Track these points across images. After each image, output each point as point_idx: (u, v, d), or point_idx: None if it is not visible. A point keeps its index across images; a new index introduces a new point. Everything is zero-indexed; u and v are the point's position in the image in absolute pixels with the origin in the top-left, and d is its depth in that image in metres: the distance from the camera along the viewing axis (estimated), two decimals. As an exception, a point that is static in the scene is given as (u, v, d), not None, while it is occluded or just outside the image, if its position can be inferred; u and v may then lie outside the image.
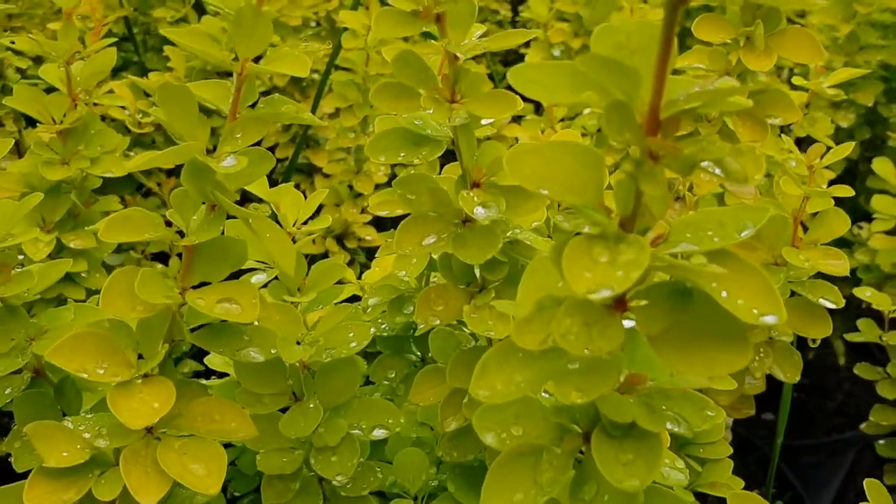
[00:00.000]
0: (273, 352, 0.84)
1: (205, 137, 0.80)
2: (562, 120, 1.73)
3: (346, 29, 1.82)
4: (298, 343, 0.89)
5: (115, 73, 2.35)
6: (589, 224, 0.55)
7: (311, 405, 0.88)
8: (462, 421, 0.87)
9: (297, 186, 2.05)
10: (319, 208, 2.05)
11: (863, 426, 1.46)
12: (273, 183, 1.58)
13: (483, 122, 0.77)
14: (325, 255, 1.92)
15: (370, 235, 1.91)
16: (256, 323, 0.83)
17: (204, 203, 0.79)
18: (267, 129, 0.80)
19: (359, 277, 1.97)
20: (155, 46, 2.47)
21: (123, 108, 1.67)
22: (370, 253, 1.98)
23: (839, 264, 1.01)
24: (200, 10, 2.26)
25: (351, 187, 1.87)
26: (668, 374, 0.68)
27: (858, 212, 2.00)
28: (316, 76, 1.96)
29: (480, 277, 0.84)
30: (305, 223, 1.06)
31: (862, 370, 1.41)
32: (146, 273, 0.75)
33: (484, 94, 0.75)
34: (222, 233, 0.81)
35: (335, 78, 1.71)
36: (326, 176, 1.94)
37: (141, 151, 1.64)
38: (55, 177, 1.35)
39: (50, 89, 1.42)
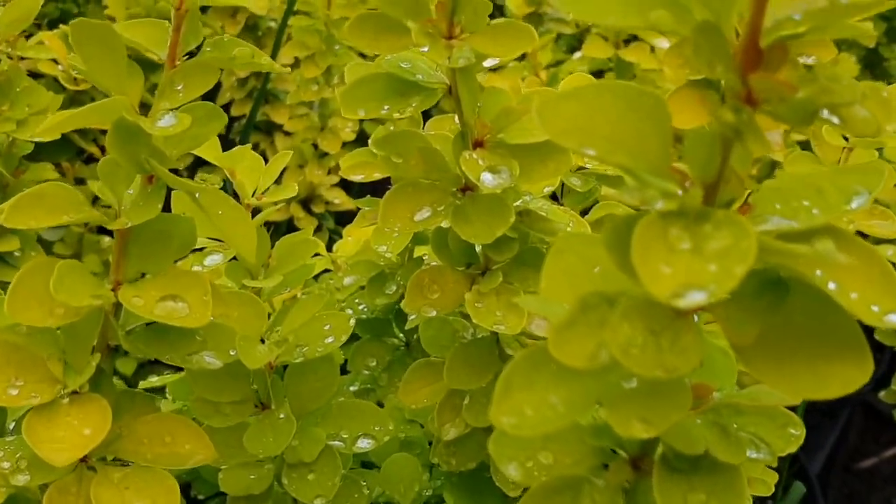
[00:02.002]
0: (232, 353, 0.69)
1: (137, 91, 0.63)
2: (547, 67, 1.57)
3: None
4: (263, 341, 0.74)
5: (52, 25, 2.14)
6: (657, 192, 0.40)
7: (282, 415, 0.72)
8: (463, 427, 0.73)
9: (255, 147, 1.88)
10: (282, 173, 1.89)
11: (882, 394, 1.35)
12: (229, 145, 1.41)
13: (487, 63, 0.62)
14: (290, 223, 1.75)
15: (339, 199, 1.75)
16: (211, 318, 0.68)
17: (140, 175, 0.63)
18: (215, 78, 0.64)
19: (329, 246, 1.83)
20: (95, -3, 2.25)
21: (56, 61, 1.47)
22: (339, 218, 1.82)
23: (886, 225, 0.88)
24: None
25: (315, 146, 1.70)
26: (735, 381, 0.54)
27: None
28: (273, 24, 1.77)
29: (483, 257, 0.69)
30: (266, 192, 0.89)
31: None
32: (65, 267, 0.58)
33: (490, 26, 0.59)
34: (164, 211, 0.65)
35: (294, 23, 1.53)
36: (288, 134, 1.77)
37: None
38: (-26, 141, 1.17)
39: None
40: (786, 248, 0.38)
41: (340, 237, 1.83)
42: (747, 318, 0.42)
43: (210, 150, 0.84)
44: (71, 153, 1.47)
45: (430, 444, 0.91)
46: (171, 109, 0.61)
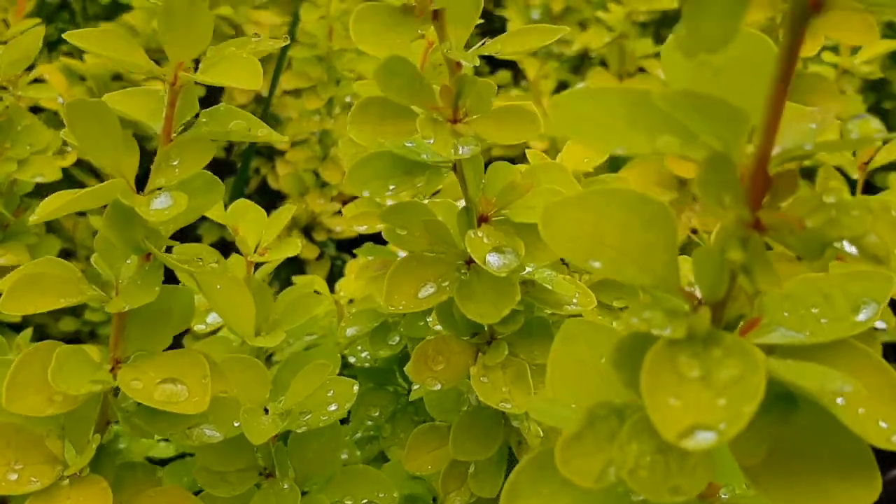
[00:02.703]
0: (236, 425, 0.68)
1: (132, 167, 0.63)
2: (552, 93, 1.56)
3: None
4: (266, 410, 0.73)
5: (51, 48, 2.13)
6: (665, 317, 0.39)
7: (286, 485, 0.72)
8: (468, 497, 0.72)
9: (256, 171, 1.87)
10: (284, 199, 1.87)
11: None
12: (230, 168, 1.39)
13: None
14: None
15: (341, 226, 1.74)
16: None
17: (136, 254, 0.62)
18: (212, 152, 0.63)
19: (330, 272, 1.82)
20: (97, 14, 2.25)
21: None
22: (341, 245, 1.81)
23: None
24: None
25: (317, 174, 1.69)
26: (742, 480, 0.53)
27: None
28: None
29: (488, 326, 0.68)
30: (269, 247, 0.88)
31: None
32: (63, 354, 0.57)
33: (494, 110, 0.58)
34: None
35: (295, 54, 1.52)
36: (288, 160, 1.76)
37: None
38: (-25, 185, 1.17)
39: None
40: (795, 383, 0.37)
41: (343, 263, 1.83)
42: (755, 436, 0.41)
43: (213, 209, 0.83)
44: (71, 187, 1.45)
45: (434, 500, 0.90)
46: (168, 188, 0.60)
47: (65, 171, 1.36)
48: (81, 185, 1.52)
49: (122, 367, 0.61)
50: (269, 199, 1.92)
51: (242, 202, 0.90)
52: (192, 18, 0.60)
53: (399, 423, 0.98)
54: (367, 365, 1.02)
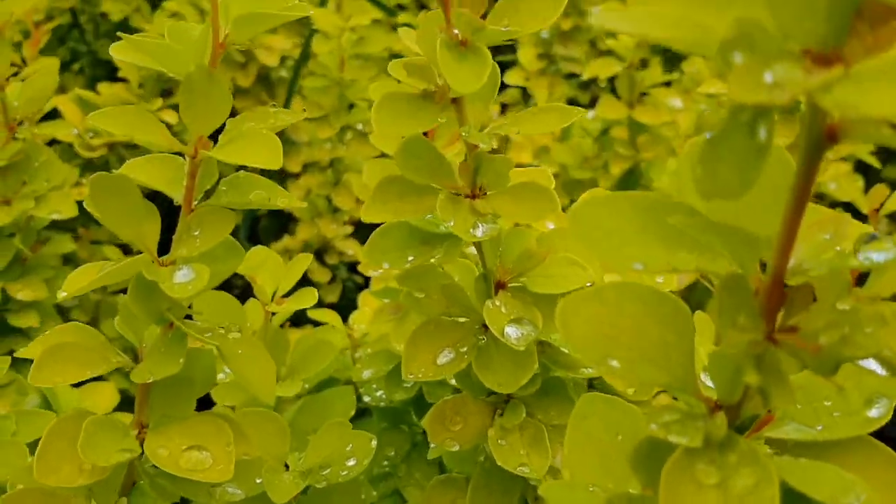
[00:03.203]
0: (258, 482, 0.69)
1: (153, 236, 0.64)
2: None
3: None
4: (286, 465, 0.74)
5: (64, 68, 2.15)
6: (683, 425, 0.40)
7: (306, 540, 0.73)
8: (486, 551, 0.73)
9: (270, 193, 1.89)
10: (296, 222, 1.89)
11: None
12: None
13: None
14: (303, 276, 1.75)
15: (352, 249, 1.75)
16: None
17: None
18: (232, 223, 0.64)
19: (342, 296, 1.83)
20: (108, 32, 2.26)
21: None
22: (352, 267, 1.82)
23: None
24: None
25: (329, 199, 1.70)
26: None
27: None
28: (285, 74, 1.77)
29: (505, 387, 0.69)
30: (287, 294, 0.90)
31: None
32: (92, 426, 0.59)
33: (512, 186, 0.59)
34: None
35: (307, 84, 1.54)
36: (299, 177, 1.77)
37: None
38: (-4, 224, 1.18)
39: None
40: (808, 495, 0.38)
41: (354, 285, 1.84)
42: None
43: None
44: (86, 218, 1.47)
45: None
46: (189, 259, 0.62)
47: (79, 202, 1.38)
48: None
49: (148, 433, 0.63)
50: (281, 222, 1.94)
51: (260, 250, 0.91)
52: (211, 93, 0.61)
53: (414, 463, 0.99)
54: (382, 404, 1.03)
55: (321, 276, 1.76)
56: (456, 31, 0.54)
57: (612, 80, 1.67)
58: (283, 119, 0.63)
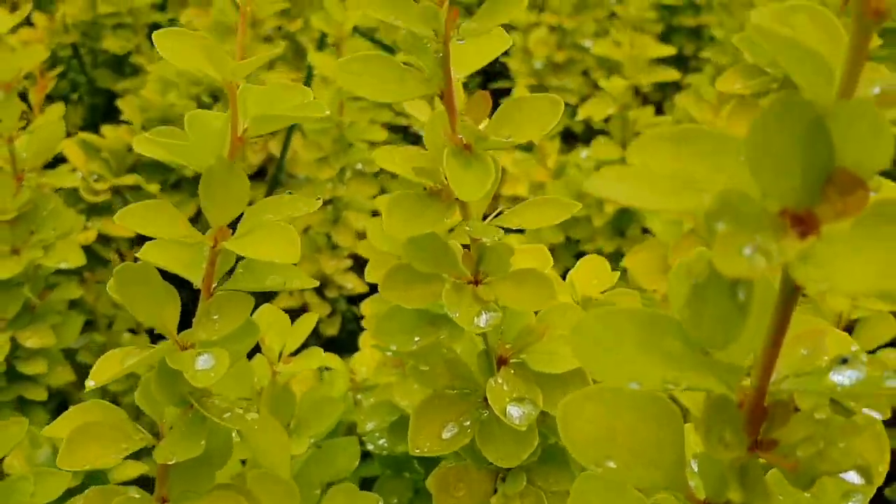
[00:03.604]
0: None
1: (174, 318, 0.67)
2: (555, 142, 1.61)
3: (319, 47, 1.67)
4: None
5: (65, 99, 2.18)
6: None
7: None
8: None
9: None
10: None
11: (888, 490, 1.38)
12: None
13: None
14: (303, 309, 1.79)
15: (351, 283, 1.79)
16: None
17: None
18: (250, 307, 0.67)
19: (341, 328, 1.86)
20: (106, 61, 2.29)
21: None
22: (352, 300, 1.85)
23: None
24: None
25: (329, 236, 1.74)
26: None
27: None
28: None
29: (506, 455, 0.72)
30: (295, 354, 0.93)
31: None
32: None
33: (512, 273, 0.63)
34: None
35: (308, 126, 1.57)
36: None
37: (98, 221, 1.49)
38: (5, 274, 1.21)
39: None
40: None
41: (354, 317, 1.87)
42: None
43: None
44: (92, 262, 1.50)
45: None
46: (209, 345, 0.65)
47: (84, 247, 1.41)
48: (106, 260, 1.56)
49: (168, 509, 0.66)
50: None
51: (268, 308, 0.94)
52: (230, 185, 0.65)
53: (416, 511, 1.03)
54: (384, 453, 1.06)
55: (321, 309, 1.79)
56: (461, 137, 0.58)
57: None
58: (299, 208, 0.66)
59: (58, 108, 1.43)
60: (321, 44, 1.61)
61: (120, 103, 1.58)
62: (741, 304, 0.36)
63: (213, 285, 0.68)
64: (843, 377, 0.42)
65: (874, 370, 0.40)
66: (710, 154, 0.40)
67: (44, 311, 1.31)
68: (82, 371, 1.49)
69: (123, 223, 0.61)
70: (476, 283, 0.63)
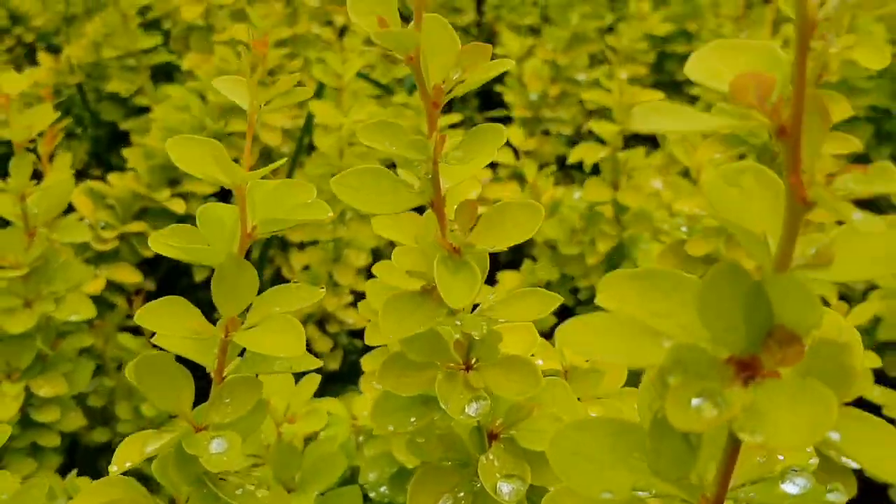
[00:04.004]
0: None
1: (189, 401, 0.72)
2: (550, 164, 1.66)
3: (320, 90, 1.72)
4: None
5: (69, 136, 2.24)
6: None
7: None
8: None
9: (270, 261, 1.97)
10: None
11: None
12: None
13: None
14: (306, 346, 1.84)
15: (352, 318, 1.84)
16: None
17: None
18: (259, 392, 0.72)
19: (343, 361, 1.91)
20: (109, 95, 2.34)
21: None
22: (354, 334, 1.90)
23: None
24: (167, 76, 2.14)
25: (330, 274, 1.79)
26: None
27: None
28: (286, 149, 1.86)
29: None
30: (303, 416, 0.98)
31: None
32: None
33: (501, 359, 0.68)
34: None
35: (309, 171, 1.62)
36: (302, 248, 1.86)
37: (106, 269, 1.54)
38: (19, 328, 1.26)
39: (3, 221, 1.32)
40: None
41: (355, 349, 1.92)
42: None
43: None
44: (101, 308, 1.55)
45: None
46: (222, 428, 0.70)
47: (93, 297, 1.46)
48: (112, 304, 1.61)
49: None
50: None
51: (275, 377, 0.99)
52: (240, 279, 0.70)
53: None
54: (386, 501, 1.11)
55: (323, 345, 1.84)
56: (451, 242, 0.63)
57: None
58: (304, 298, 0.71)
59: (65, 159, 1.48)
60: (320, 92, 1.66)
61: (125, 152, 1.63)
62: (692, 446, 0.41)
63: (225, 372, 0.73)
64: (793, 486, 0.47)
65: (818, 485, 0.45)
66: (670, 291, 0.45)
67: (56, 360, 1.35)
68: (93, 414, 1.54)
69: (143, 323, 0.66)
70: (467, 368, 0.68)
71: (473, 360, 0.69)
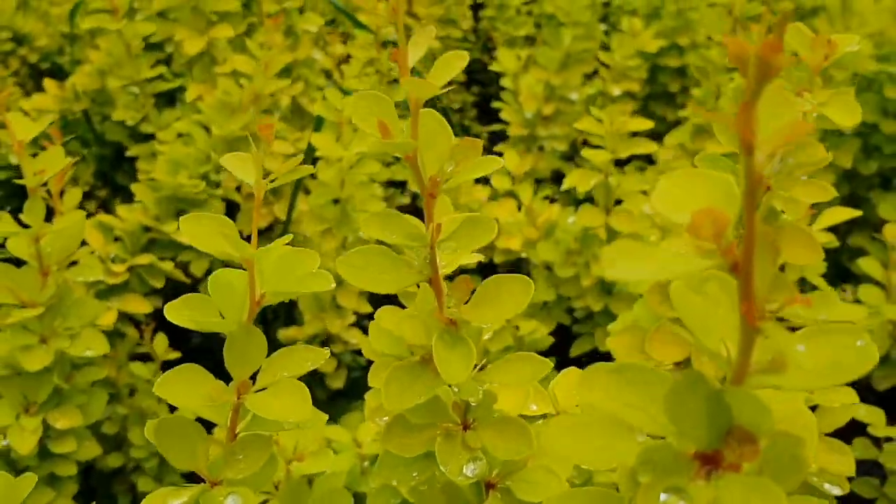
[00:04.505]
0: None
1: (205, 458, 0.77)
2: (544, 181, 1.70)
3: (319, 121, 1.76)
4: None
5: (76, 159, 2.28)
6: None
7: None
8: None
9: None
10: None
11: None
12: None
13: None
14: (312, 366, 1.89)
15: (356, 339, 1.89)
16: None
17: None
18: (270, 449, 0.78)
19: (347, 379, 1.97)
20: (109, 116, 2.39)
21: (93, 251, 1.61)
22: (357, 353, 1.96)
23: (844, 460, 1.01)
24: (170, 100, 2.19)
25: (334, 297, 1.84)
26: None
27: (840, 269, 2.02)
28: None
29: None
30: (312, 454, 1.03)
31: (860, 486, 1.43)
32: None
33: (497, 419, 0.73)
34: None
35: (312, 201, 1.67)
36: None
37: (117, 300, 1.60)
38: (36, 365, 1.31)
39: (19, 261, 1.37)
40: None
41: (359, 366, 1.97)
42: None
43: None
44: (113, 338, 1.60)
45: None
46: (235, 486, 0.75)
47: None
48: (122, 333, 1.67)
49: None
50: (288, 309, 2.07)
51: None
52: (250, 345, 0.75)
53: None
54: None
55: (327, 365, 1.89)
56: (448, 317, 0.68)
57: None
58: (311, 359, 0.76)
59: (75, 195, 1.52)
60: (318, 125, 1.71)
61: (133, 188, 1.68)
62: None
63: (238, 429, 0.78)
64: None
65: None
66: (642, 385, 0.50)
67: (71, 393, 1.41)
68: (107, 441, 1.60)
69: (161, 394, 0.71)
70: (465, 428, 0.74)
71: (471, 420, 0.74)
